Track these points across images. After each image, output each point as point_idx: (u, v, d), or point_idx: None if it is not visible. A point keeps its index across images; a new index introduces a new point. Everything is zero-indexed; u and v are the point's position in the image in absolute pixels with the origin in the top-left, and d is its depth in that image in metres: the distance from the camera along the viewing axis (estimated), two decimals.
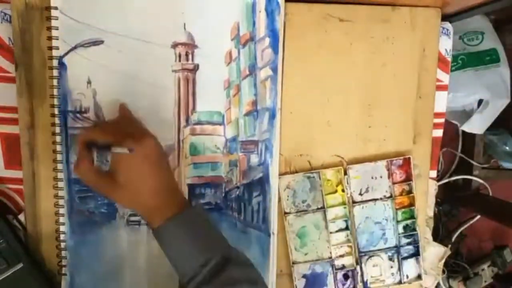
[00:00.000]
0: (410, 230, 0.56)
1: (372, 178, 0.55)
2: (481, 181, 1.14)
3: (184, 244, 0.39)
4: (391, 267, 0.56)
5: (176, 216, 0.39)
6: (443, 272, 1.15)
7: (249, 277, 0.41)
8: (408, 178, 0.55)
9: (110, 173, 0.40)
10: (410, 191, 0.55)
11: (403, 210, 0.56)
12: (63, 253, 0.49)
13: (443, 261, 0.61)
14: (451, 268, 1.22)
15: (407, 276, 0.57)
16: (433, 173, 0.59)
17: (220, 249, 0.40)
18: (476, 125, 0.95)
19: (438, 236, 1.20)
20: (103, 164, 0.41)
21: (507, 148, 1.09)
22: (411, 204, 0.55)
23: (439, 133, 0.59)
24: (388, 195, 0.55)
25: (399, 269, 0.56)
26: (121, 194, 0.40)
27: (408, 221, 0.56)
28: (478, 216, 1.18)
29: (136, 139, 0.39)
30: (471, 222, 1.19)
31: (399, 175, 0.55)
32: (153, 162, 0.40)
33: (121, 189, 0.39)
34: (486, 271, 1.23)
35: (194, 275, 0.38)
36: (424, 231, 0.58)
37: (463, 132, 1.10)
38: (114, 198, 0.41)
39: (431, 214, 0.60)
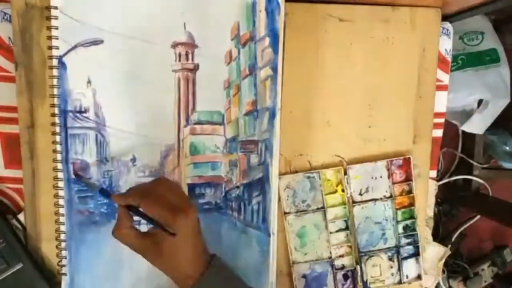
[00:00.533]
0: (410, 230, 0.56)
1: (372, 178, 0.55)
2: (481, 181, 1.14)
3: None
4: (391, 267, 0.56)
5: (206, 273, 0.40)
6: (443, 272, 1.15)
7: None
8: (408, 178, 0.55)
9: (150, 235, 0.40)
10: (410, 191, 0.55)
11: (403, 210, 0.56)
12: (63, 253, 0.49)
13: (443, 261, 0.61)
14: (451, 268, 1.22)
15: (407, 276, 0.57)
16: (433, 173, 0.59)
17: None
18: (476, 125, 0.95)
19: (438, 236, 1.20)
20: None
21: (507, 148, 1.09)
22: (411, 204, 0.55)
23: (439, 133, 0.59)
24: (388, 195, 0.55)
25: (399, 269, 0.56)
26: (160, 261, 0.40)
27: (408, 221, 0.56)
28: (478, 216, 1.18)
29: (180, 215, 0.38)
30: (471, 222, 1.19)
31: (399, 175, 0.55)
32: (194, 234, 0.40)
33: (161, 257, 0.40)
34: (486, 271, 1.23)
35: None
36: (424, 231, 0.58)
37: (463, 132, 1.10)
38: (152, 262, 0.41)
39: (431, 214, 0.60)
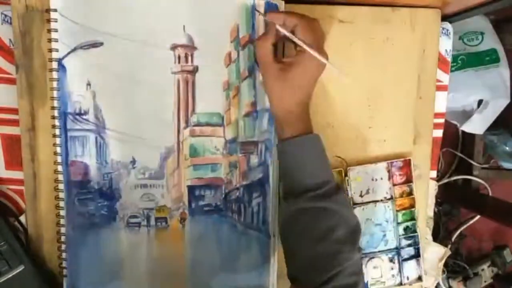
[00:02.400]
0: (410, 232, 0.56)
1: (372, 179, 0.55)
2: (481, 181, 1.15)
3: (311, 160, 0.44)
4: (392, 268, 0.56)
5: (309, 134, 0.44)
6: (443, 272, 1.15)
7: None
8: (408, 180, 0.55)
9: (282, 61, 0.44)
10: (410, 193, 0.55)
11: (403, 211, 0.56)
12: (64, 254, 0.49)
13: (443, 261, 0.61)
14: (451, 268, 1.23)
15: (408, 278, 0.57)
16: (433, 173, 0.59)
17: (333, 177, 0.45)
18: (476, 125, 0.95)
19: (438, 236, 1.20)
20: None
21: (507, 148, 1.10)
22: (412, 205, 0.55)
23: (439, 133, 0.59)
24: (388, 196, 0.55)
25: (400, 270, 0.56)
26: (276, 84, 0.44)
27: (409, 223, 0.56)
28: (478, 216, 1.18)
29: (321, 51, 0.43)
30: (471, 222, 1.20)
31: (399, 177, 0.55)
32: (315, 78, 0.44)
33: (278, 81, 0.43)
34: (486, 271, 1.23)
35: (312, 188, 0.42)
36: (424, 231, 0.58)
37: (463, 132, 1.10)
38: (267, 82, 0.45)
39: (431, 214, 0.60)
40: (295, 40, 0.43)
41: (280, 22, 0.44)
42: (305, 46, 0.42)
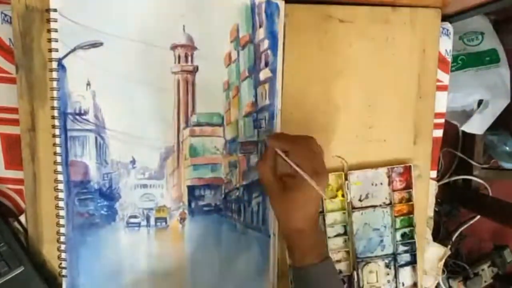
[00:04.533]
0: (408, 238, 0.56)
1: (372, 184, 0.54)
2: (481, 181, 1.15)
3: (332, 286, 0.45)
4: (388, 274, 0.56)
5: (326, 260, 0.44)
6: (443, 272, 1.15)
7: None
8: (408, 186, 0.55)
9: (282, 180, 0.45)
10: (409, 199, 0.55)
11: (401, 217, 0.55)
12: (64, 255, 0.49)
13: (443, 261, 0.61)
14: (451, 268, 1.23)
15: (403, 284, 0.56)
16: (433, 174, 0.59)
17: None
18: (476, 125, 0.95)
19: (438, 236, 1.20)
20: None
21: (507, 148, 1.10)
22: (410, 212, 0.55)
23: (439, 133, 0.59)
24: (387, 202, 0.55)
25: (395, 276, 0.56)
26: (282, 206, 0.44)
27: (406, 229, 0.56)
28: (478, 216, 1.18)
29: (322, 177, 0.43)
30: (471, 222, 1.20)
31: (399, 182, 0.55)
32: (318, 198, 0.44)
33: (284, 202, 0.44)
34: (486, 271, 1.23)
35: None
36: (424, 232, 0.58)
37: (463, 132, 1.10)
38: (272, 201, 0.46)
39: (431, 214, 0.60)
40: (293, 166, 0.43)
41: (277, 146, 0.45)
42: (302, 173, 0.42)
